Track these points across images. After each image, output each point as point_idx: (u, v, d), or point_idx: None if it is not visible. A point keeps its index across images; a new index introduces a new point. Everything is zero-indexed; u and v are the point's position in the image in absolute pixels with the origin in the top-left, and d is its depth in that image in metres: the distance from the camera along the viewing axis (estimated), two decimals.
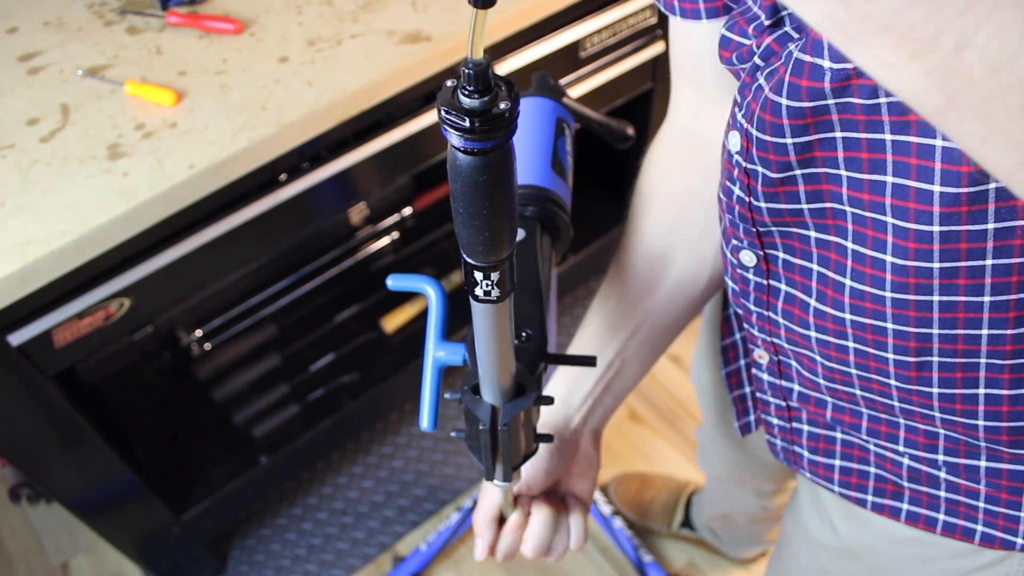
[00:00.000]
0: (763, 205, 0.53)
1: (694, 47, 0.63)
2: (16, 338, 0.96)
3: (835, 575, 0.77)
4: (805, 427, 0.68)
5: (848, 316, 0.53)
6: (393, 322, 1.61)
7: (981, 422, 0.54)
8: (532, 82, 0.73)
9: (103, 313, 1.02)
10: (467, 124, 0.31)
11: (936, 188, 0.43)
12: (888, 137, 0.44)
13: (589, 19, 1.26)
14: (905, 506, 0.64)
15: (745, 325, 0.65)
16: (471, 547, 1.57)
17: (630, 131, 0.78)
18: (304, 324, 1.62)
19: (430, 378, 0.53)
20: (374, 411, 1.62)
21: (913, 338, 0.51)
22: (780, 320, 0.59)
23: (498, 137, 0.32)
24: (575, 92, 1.32)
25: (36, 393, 1.04)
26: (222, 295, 1.31)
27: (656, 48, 1.38)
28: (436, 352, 0.53)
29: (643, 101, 1.50)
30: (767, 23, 0.49)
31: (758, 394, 0.71)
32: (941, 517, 0.62)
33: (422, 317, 1.63)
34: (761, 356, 0.66)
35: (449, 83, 0.32)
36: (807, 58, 0.44)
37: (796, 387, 0.65)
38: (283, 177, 1.08)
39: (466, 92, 0.31)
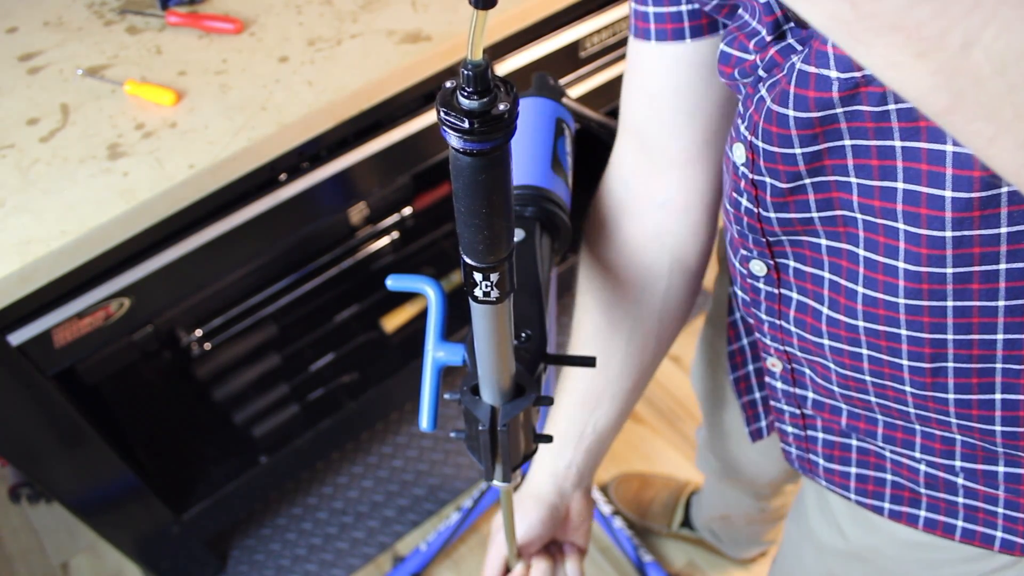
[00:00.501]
0: (772, 215, 0.53)
1: (651, 82, 0.63)
2: (16, 338, 0.96)
3: None
4: (820, 435, 0.68)
5: (861, 323, 0.52)
6: (393, 322, 1.61)
7: (998, 427, 0.53)
8: (532, 82, 0.73)
9: (103, 313, 1.02)
10: (466, 125, 0.31)
11: (948, 193, 0.43)
12: (898, 143, 0.44)
13: (589, 19, 1.26)
14: (923, 513, 0.63)
15: (756, 334, 0.66)
16: (471, 547, 1.57)
17: None
18: (304, 324, 1.62)
19: (430, 378, 0.53)
20: (374, 411, 1.62)
21: (928, 344, 0.50)
22: (792, 329, 0.59)
23: (497, 138, 0.32)
24: (575, 92, 1.31)
25: (36, 393, 1.04)
26: (222, 295, 1.31)
27: None
28: (436, 352, 0.53)
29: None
30: (768, 38, 0.49)
31: (772, 402, 0.71)
32: (960, 524, 0.61)
33: (422, 317, 1.63)
34: (774, 364, 0.66)
35: (448, 84, 0.32)
36: (812, 69, 0.44)
37: (810, 395, 0.65)
38: (283, 177, 1.08)
39: (465, 93, 0.31)
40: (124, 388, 1.54)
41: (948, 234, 0.44)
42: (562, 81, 1.12)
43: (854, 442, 0.66)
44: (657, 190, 0.67)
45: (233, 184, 1.01)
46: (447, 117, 0.31)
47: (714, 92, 0.62)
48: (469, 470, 1.68)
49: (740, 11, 0.53)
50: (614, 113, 0.82)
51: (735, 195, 0.55)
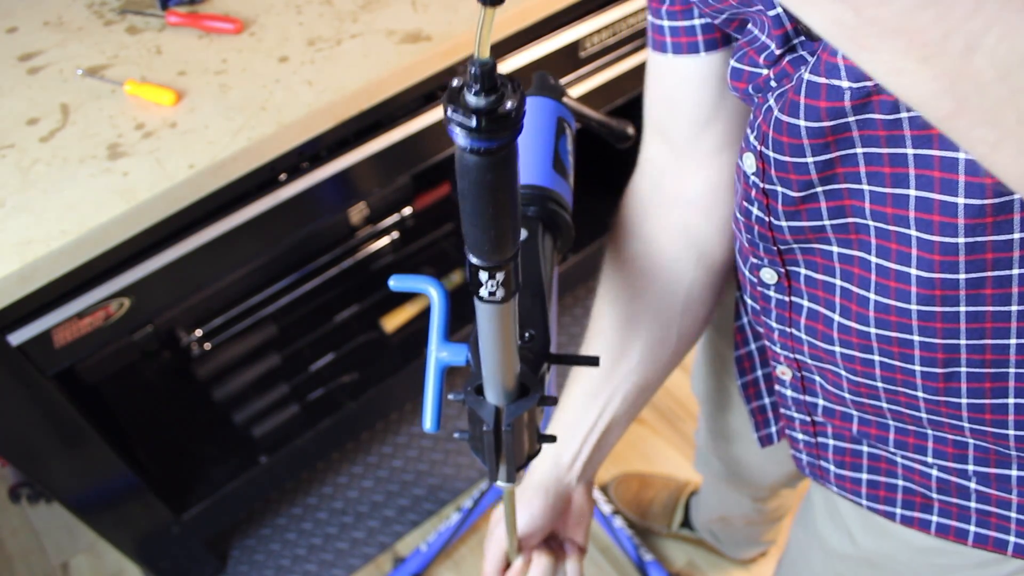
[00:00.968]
0: (784, 224, 0.53)
1: (672, 92, 0.64)
2: (16, 338, 0.96)
3: None
4: (831, 441, 0.68)
5: (873, 330, 0.52)
6: (393, 322, 1.60)
7: (1012, 431, 0.53)
8: (532, 82, 0.73)
9: (103, 313, 1.02)
10: (474, 123, 0.31)
11: (960, 200, 0.43)
12: (910, 151, 0.44)
13: (589, 19, 1.26)
14: (935, 518, 0.63)
15: (766, 343, 0.65)
16: (471, 547, 1.57)
17: (630, 130, 0.78)
18: (304, 324, 1.62)
19: (433, 379, 0.53)
20: (374, 411, 1.62)
21: (940, 350, 0.50)
22: (803, 336, 0.59)
23: (504, 136, 0.31)
24: (575, 92, 1.31)
25: (36, 393, 1.04)
26: (222, 295, 1.31)
27: None
28: (439, 353, 0.53)
29: (643, 100, 1.50)
30: (778, 52, 0.49)
31: (782, 409, 0.71)
32: (972, 529, 0.61)
33: (422, 317, 1.63)
34: (784, 373, 0.66)
35: (455, 82, 0.31)
36: (823, 80, 0.44)
37: (821, 402, 0.65)
38: (283, 177, 1.08)
39: (472, 91, 0.31)
40: (124, 388, 1.54)
41: (961, 240, 0.44)
42: (562, 81, 1.12)
43: (865, 448, 0.65)
44: (685, 188, 0.67)
45: (233, 184, 1.01)
46: (454, 115, 0.31)
47: (732, 98, 0.62)
48: (469, 470, 1.68)
49: (749, 26, 0.53)
50: (614, 113, 0.82)
51: (745, 204, 0.55)
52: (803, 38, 0.48)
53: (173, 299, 1.09)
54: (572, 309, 1.90)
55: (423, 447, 1.72)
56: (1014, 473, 0.57)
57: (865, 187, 0.47)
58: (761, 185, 0.52)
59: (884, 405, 0.58)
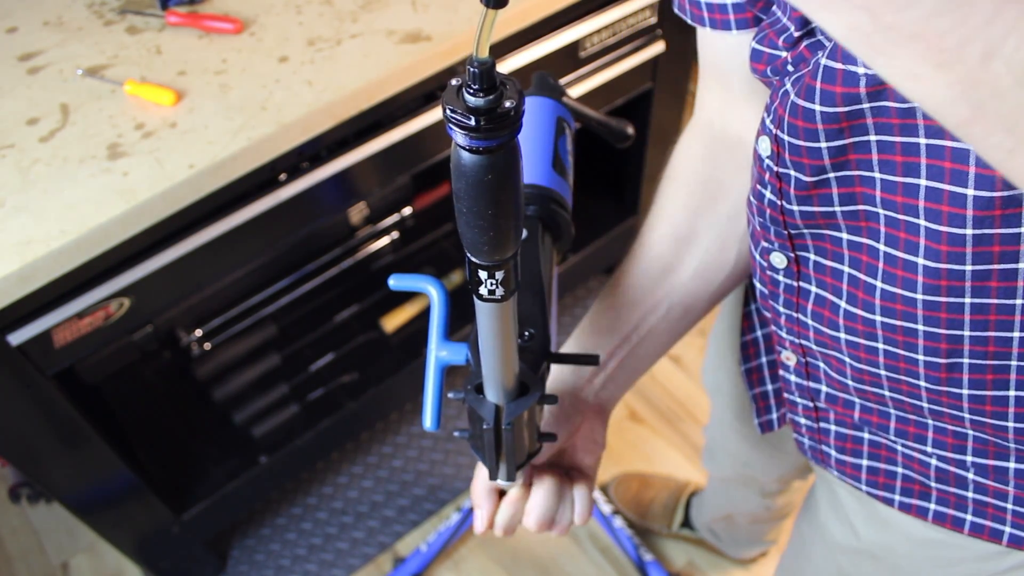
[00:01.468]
0: (795, 208, 0.53)
1: (721, 55, 0.63)
2: (16, 338, 0.96)
3: None
4: (832, 427, 0.68)
5: (878, 318, 0.53)
6: (393, 322, 1.60)
7: (1011, 423, 0.53)
8: (532, 81, 0.73)
9: (103, 313, 1.02)
10: (472, 123, 0.31)
11: (970, 192, 0.43)
12: (922, 141, 0.44)
13: (589, 19, 1.26)
14: (932, 506, 0.64)
15: (773, 327, 0.66)
16: (471, 547, 1.57)
17: (630, 130, 0.78)
18: (304, 324, 1.62)
19: (433, 378, 0.53)
20: (374, 411, 1.62)
21: (944, 340, 0.51)
22: (809, 322, 0.59)
23: (503, 135, 0.31)
24: (575, 92, 1.31)
25: (36, 393, 1.04)
26: (222, 295, 1.31)
27: (656, 48, 1.38)
28: (439, 352, 0.53)
29: (643, 101, 1.50)
30: (797, 34, 0.49)
31: (785, 395, 0.71)
32: (968, 518, 0.61)
33: (422, 317, 1.63)
34: (788, 358, 0.66)
35: (454, 82, 0.32)
36: (839, 65, 0.44)
37: (824, 388, 0.65)
38: (283, 177, 1.08)
39: (471, 91, 0.31)
40: (124, 388, 1.54)
41: (969, 232, 0.45)
42: (562, 81, 1.12)
43: (866, 435, 0.66)
44: (747, 130, 0.64)
45: (233, 184, 1.01)
46: (453, 114, 0.31)
47: None
48: (469, 470, 1.68)
49: (774, 7, 0.54)
50: (614, 113, 0.82)
51: (759, 187, 0.56)
52: (814, 21, 0.48)
53: (173, 299, 1.09)
54: (572, 309, 1.90)
55: (423, 447, 1.72)
56: (1012, 465, 0.57)
57: (876, 175, 0.47)
58: (775, 169, 0.53)
59: (886, 393, 0.58)
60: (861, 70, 0.43)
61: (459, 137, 0.32)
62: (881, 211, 0.49)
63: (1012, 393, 0.52)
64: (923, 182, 0.45)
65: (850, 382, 0.61)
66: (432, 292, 0.54)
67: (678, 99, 1.58)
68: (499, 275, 0.38)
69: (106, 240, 0.93)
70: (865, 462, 0.67)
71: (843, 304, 0.55)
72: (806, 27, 0.49)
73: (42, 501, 1.67)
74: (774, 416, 0.80)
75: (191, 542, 1.46)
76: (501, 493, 0.62)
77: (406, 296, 1.63)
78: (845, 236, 0.53)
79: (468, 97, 0.31)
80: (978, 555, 0.63)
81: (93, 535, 1.32)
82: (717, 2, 0.59)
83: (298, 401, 1.53)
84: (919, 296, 0.49)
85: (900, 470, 0.65)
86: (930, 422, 0.59)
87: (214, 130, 0.99)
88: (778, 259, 0.58)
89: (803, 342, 0.62)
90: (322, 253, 1.47)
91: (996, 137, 0.25)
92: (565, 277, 1.74)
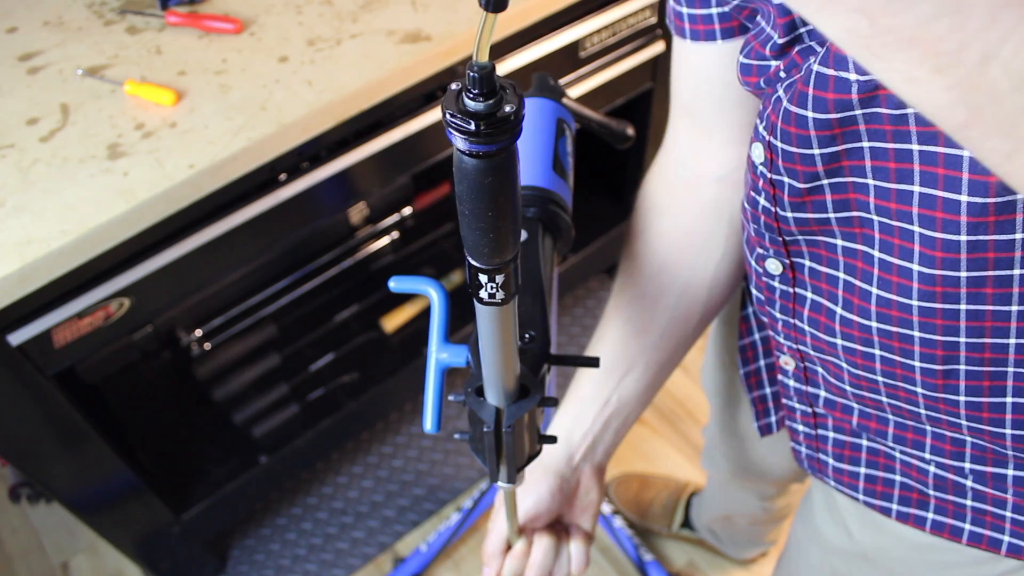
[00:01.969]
0: (789, 215, 0.53)
1: (697, 72, 0.63)
2: (16, 338, 0.96)
3: None
4: (830, 434, 0.68)
5: (874, 324, 0.53)
6: (393, 322, 1.60)
7: (1009, 430, 0.53)
8: (532, 82, 0.73)
9: (103, 313, 1.02)
10: (472, 127, 0.31)
11: (963, 198, 0.43)
12: (915, 147, 0.44)
13: (589, 19, 1.26)
14: (930, 515, 0.63)
15: (770, 332, 0.66)
16: (471, 547, 1.57)
17: (630, 131, 0.78)
18: (304, 324, 1.62)
19: (433, 380, 0.53)
20: (374, 411, 1.62)
21: (940, 346, 0.50)
22: (806, 328, 0.59)
23: (503, 140, 0.31)
24: (575, 92, 1.31)
25: (36, 393, 1.04)
26: (222, 295, 1.31)
27: (656, 48, 1.38)
28: (439, 354, 0.53)
29: (643, 101, 1.50)
30: (781, 42, 0.49)
31: (784, 399, 0.71)
32: (967, 527, 0.61)
33: (421, 317, 1.63)
34: (787, 363, 0.66)
35: (454, 86, 0.32)
36: (831, 72, 0.44)
37: (822, 393, 0.65)
38: (283, 177, 1.08)
39: (471, 95, 0.31)
40: (124, 388, 1.54)
41: (963, 238, 0.44)
42: (562, 81, 1.12)
43: (864, 442, 0.66)
44: (714, 166, 0.66)
45: (233, 184, 1.01)
46: (453, 119, 0.31)
47: None
48: (469, 470, 1.68)
49: (759, 17, 0.53)
50: (614, 113, 0.82)
51: (753, 194, 0.56)
52: (810, 27, 0.48)
53: (173, 299, 1.09)
54: (572, 309, 1.90)
55: (423, 447, 1.72)
56: (1010, 472, 0.57)
57: (870, 181, 0.47)
58: (768, 175, 0.52)
59: (884, 399, 0.58)
60: (853, 76, 0.43)
61: (459, 141, 0.32)
62: (875, 217, 0.49)
63: (1009, 400, 0.52)
64: (917, 188, 0.45)
65: (848, 387, 0.60)
66: (432, 294, 0.54)
67: None
68: (499, 279, 0.38)
69: (106, 240, 0.93)
70: (863, 470, 0.67)
71: (839, 310, 0.55)
72: (791, 34, 0.49)
73: (42, 501, 1.67)
74: (773, 419, 0.80)
75: (191, 542, 1.46)
76: (507, 548, 0.69)
77: (406, 296, 1.63)
78: (840, 242, 0.53)
79: (468, 101, 0.31)
80: (972, 560, 0.63)
81: (93, 535, 1.32)
82: (702, 12, 0.59)
83: (298, 401, 1.53)
84: (914, 302, 0.49)
85: (898, 478, 0.65)
86: (928, 428, 0.58)
87: (214, 130, 0.99)
88: (773, 265, 0.58)
89: (801, 347, 0.62)
90: (322, 253, 1.47)
91: (993, 140, 0.25)
92: (565, 277, 1.74)
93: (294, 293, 1.48)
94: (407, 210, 1.46)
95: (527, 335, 0.53)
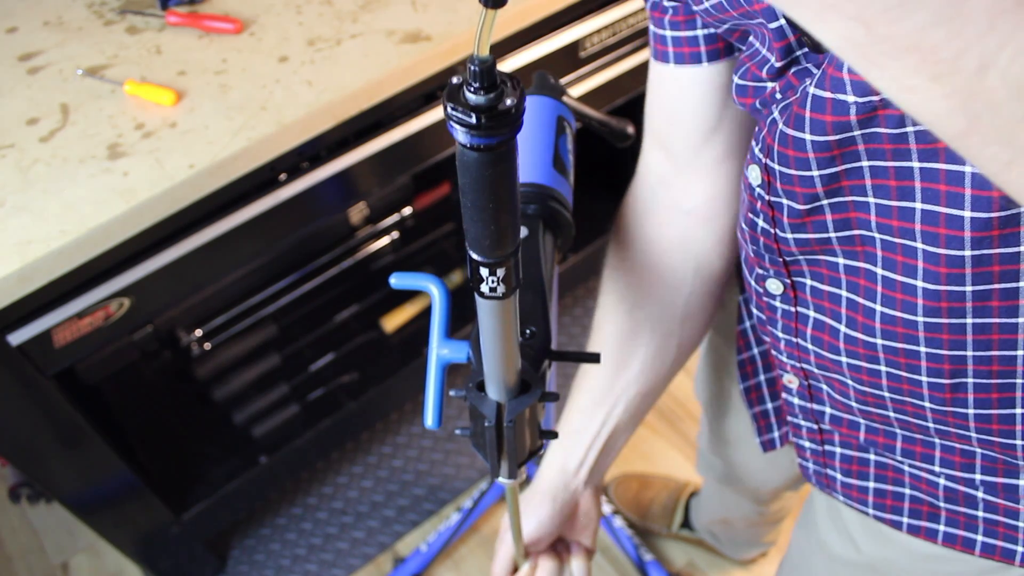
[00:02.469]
0: (790, 235, 0.53)
1: (675, 97, 0.63)
2: (16, 338, 0.96)
3: None
4: (838, 449, 0.68)
5: (880, 341, 0.52)
6: (393, 322, 1.61)
7: (1019, 441, 0.53)
8: (532, 81, 0.73)
9: (103, 313, 1.02)
10: (473, 120, 0.31)
11: (966, 214, 0.43)
12: (916, 165, 0.44)
13: (589, 19, 1.26)
14: (942, 528, 0.63)
15: (772, 352, 0.66)
16: (471, 547, 1.57)
17: (630, 130, 0.78)
18: (304, 324, 1.62)
19: (434, 376, 0.53)
20: (374, 411, 1.62)
21: (947, 361, 0.50)
22: (809, 346, 0.59)
23: (504, 133, 0.32)
24: (575, 92, 1.32)
25: (36, 393, 1.04)
26: (222, 295, 1.31)
27: None
28: (440, 350, 0.53)
29: (643, 100, 1.50)
30: (779, 65, 0.49)
31: (788, 416, 0.71)
32: (979, 538, 0.61)
33: (421, 317, 1.63)
34: (791, 381, 0.66)
35: (455, 80, 0.32)
36: (828, 95, 0.44)
37: (828, 410, 0.65)
38: (283, 177, 1.08)
39: (472, 89, 0.31)
40: (124, 388, 1.54)
41: (967, 253, 0.44)
42: (562, 81, 1.12)
43: (872, 456, 0.65)
44: (683, 198, 0.67)
45: (233, 184, 1.01)
46: (454, 112, 0.31)
47: (733, 108, 0.62)
48: (469, 470, 1.68)
49: (751, 38, 0.53)
50: (614, 112, 0.82)
51: (751, 215, 0.55)
52: (806, 50, 0.48)
53: (173, 299, 1.09)
54: (572, 309, 1.90)
55: (423, 447, 1.72)
56: (1022, 483, 0.56)
57: (871, 200, 0.47)
58: (767, 197, 0.52)
59: (891, 414, 0.58)
60: (851, 98, 0.43)
61: (460, 135, 0.32)
62: (877, 235, 0.48)
63: (1019, 411, 0.51)
64: (919, 205, 0.45)
65: (854, 404, 0.60)
66: (433, 290, 0.54)
67: None
68: (500, 272, 0.38)
69: (106, 240, 0.93)
70: (872, 484, 0.66)
71: (843, 328, 0.55)
72: (787, 57, 0.49)
73: (42, 501, 1.67)
74: (776, 435, 0.79)
75: (191, 542, 1.45)
76: (515, 569, 0.72)
77: (406, 296, 1.63)
78: (841, 261, 0.52)
79: (469, 95, 0.31)
80: (980, 569, 0.63)
81: (93, 535, 1.32)
82: (687, 34, 0.59)
83: (298, 401, 1.53)
84: (920, 319, 0.49)
85: (908, 491, 0.64)
86: (937, 441, 0.58)
87: (214, 130, 0.99)
88: (774, 285, 0.58)
89: (804, 366, 0.62)
90: (322, 253, 1.47)
91: (992, 149, 0.25)
92: (565, 277, 1.74)
93: (294, 293, 1.48)
94: (407, 210, 1.46)
95: (528, 330, 0.54)
